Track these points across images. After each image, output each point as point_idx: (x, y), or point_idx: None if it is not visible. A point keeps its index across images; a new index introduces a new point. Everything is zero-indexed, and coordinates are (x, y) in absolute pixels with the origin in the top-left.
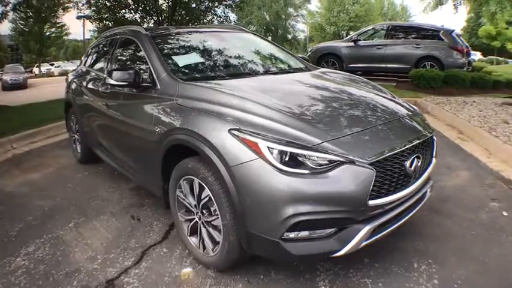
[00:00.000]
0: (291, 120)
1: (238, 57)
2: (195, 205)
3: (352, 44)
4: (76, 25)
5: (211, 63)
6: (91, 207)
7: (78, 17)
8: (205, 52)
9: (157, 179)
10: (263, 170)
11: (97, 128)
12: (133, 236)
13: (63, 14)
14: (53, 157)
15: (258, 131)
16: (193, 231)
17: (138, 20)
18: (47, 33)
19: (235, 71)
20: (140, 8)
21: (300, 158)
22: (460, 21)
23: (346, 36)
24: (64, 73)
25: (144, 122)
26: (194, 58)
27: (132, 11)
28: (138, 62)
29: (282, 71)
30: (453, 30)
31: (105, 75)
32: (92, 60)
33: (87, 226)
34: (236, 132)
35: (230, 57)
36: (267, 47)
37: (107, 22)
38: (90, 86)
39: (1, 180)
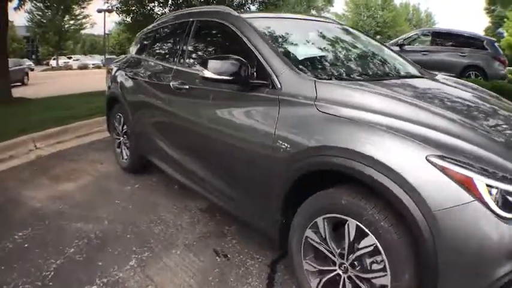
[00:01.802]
0: (490, 144)
1: (363, 54)
2: (341, 254)
3: (397, 48)
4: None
5: (339, 60)
6: (155, 236)
7: (99, 11)
8: (319, 45)
9: (271, 212)
10: (478, 216)
11: (160, 132)
12: (224, 282)
13: (88, 5)
14: (88, 162)
15: (468, 160)
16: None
17: None
18: (66, 26)
19: (369, 71)
20: (170, 2)
21: None
22: (478, 31)
23: None
24: (84, 67)
25: (254, 133)
26: (312, 51)
27: (161, 5)
28: (236, 53)
29: (412, 76)
30: (495, 40)
31: (174, 67)
32: (150, 48)
33: (157, 265)
34: (438, 161)
35: (351, 53)
36: (376, 44)
37: (134, 15)
38: (151, 79)
39: (24, 191)
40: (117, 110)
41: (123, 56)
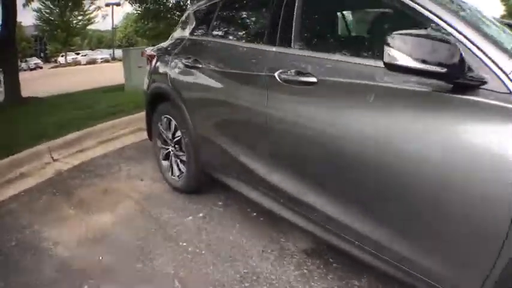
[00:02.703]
0: None
1: None
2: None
3: None
4: (98, 16)
5: None
6: None
7: (107, 4)
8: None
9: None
10: None
11: (245, 144)
12: None
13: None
14: (123, 178)
15: None
16: None
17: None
18: (74, 21)
19: None
20: None
21: None
22: None
23: None
24: (92, 62)
25: (474, 161)
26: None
27: None
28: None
29: None
30: None
31: (274, 49)
32: (220, 25)
33: None
34: None
35: None
36: None
37: (148, 5)
38: (229, 67)
39: (44, 229)
40: (164, 111)
41: (170, 40)
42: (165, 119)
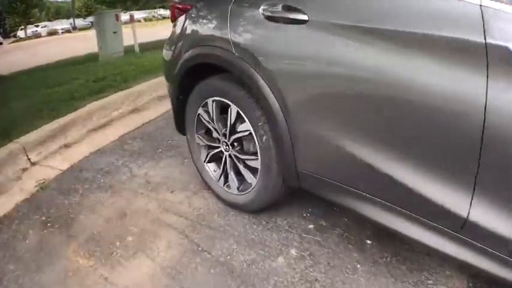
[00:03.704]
0: None
1: None
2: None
3: None
4: None
5: None
6: None
7: None
8: None
9: None
10: None
11: (410, 152)
12: None
13: None
14: (139, 189)
15: None
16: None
17: None
18: None
19: None
20: None
21: None
22: None
23: None
24: (53, 32)
25: None
26: None
27: None
28: None
29: None
30: None
31: None
32: None
33: None
34: None
35: None
36: None
37: None
38: (397, 25)
39: None
40: (212, 92)
41: None
42: (214, 104)
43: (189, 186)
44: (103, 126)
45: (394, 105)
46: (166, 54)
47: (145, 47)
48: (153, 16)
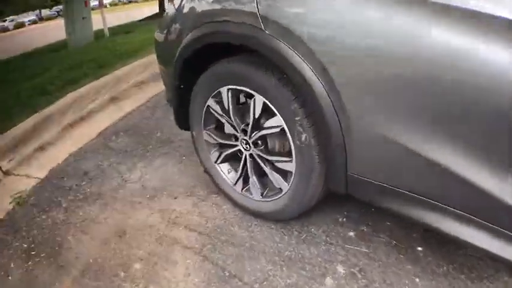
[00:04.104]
0: None
1: None
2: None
3: None
4: None
5: None
6: None
7: None
8: None
9: None
10: None
11: None
12: None
13: None
14: (135, 196)
15: None
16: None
17: None
18: None
19: None
20: None
21: None
22: None
23: None
24: (20, 25)
25: None
26: None
27: None
28: None
29: None
30: None
31: None
32: None
33: None
34: None
35: None
36: None
37: None
38: None
39: None
40: (226, 79)
41: None
42: (231, 94)
43: (194, 191)
44: (81, 120)
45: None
46: (160, 34)
47: (114, 31)
48: (119, 0)
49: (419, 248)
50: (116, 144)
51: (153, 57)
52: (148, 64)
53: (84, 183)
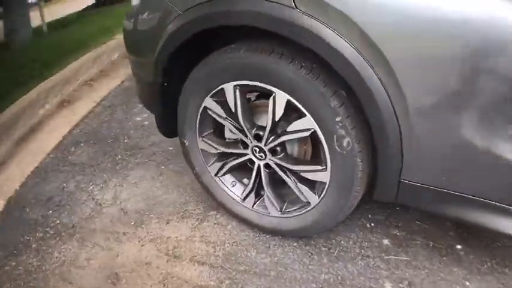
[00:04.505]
0: None
1: None
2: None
3: None
4: None
5: None
6: None
7: None
8: None
9: None
10: None
11: None
12: None
13: None
14: (119, 226)
15: None
16: None
17: None
18: None
19: None
20: None
21: None
22: None
23: None
24: None
25: None
26: None
27: None
28: None
29: None
30: None
31: None
32: None
33: None
34: None
35: None
36: None
37: None
38: None
39: None
40: (229, 73)
41: None
42: (239, 92)
43: (188, 209)
44: (32, 131)
45: None
46: (131, 21)
47: (53, 26)
48: None
49: (459, 246)
50: (78, 157)
51: (101, 50)
52: (96, 57)
53: (50, 212)
